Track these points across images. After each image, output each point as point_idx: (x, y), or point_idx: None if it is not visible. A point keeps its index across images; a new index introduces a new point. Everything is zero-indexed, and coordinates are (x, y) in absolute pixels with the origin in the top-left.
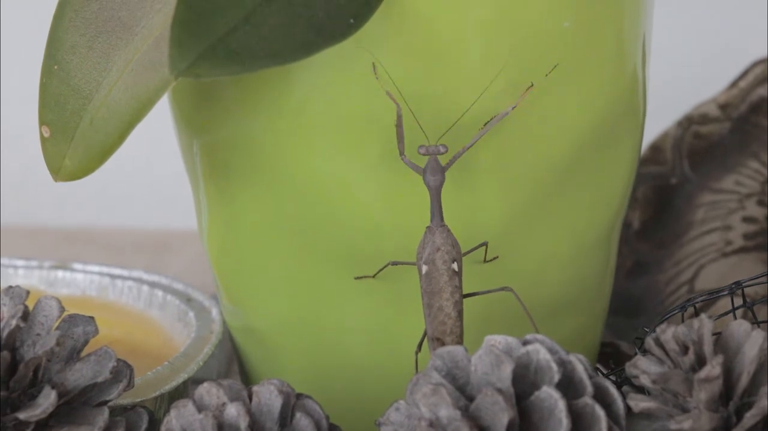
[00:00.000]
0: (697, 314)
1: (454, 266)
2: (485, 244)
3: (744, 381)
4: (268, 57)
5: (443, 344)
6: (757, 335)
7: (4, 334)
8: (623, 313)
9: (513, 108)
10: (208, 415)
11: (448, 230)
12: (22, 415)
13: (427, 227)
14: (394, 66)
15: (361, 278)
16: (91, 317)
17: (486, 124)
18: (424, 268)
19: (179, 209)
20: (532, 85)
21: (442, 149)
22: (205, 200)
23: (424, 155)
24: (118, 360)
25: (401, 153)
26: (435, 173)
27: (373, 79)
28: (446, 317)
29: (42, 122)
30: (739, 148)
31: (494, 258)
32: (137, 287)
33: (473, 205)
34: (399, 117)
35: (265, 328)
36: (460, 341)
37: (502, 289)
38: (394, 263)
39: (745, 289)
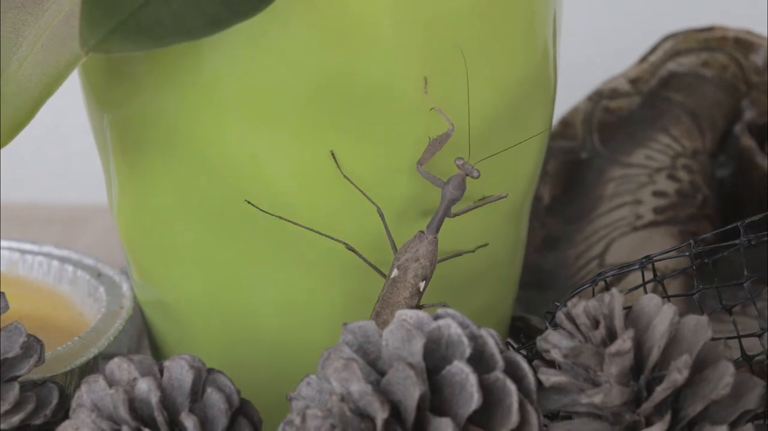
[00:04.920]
0: (607, 288)
1: (421, 285)
2: (467, 252)
3: (654, 355)
4: (179, 32)
5: None
6: (668, 309)
7: None
8: (534, 287)
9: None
10: (119, 390)
11: (436, 245)
12: None
13: (419, 232)
14: (305, 42)
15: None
16: (1, 293)
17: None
18: (395, 272)
19: (89, 184)
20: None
21: (474, 173)
22: (116, 175)
23: (459, 167)
24: (29, 335)
25: (420, 163)
26: (457, 190)
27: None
28: None
29: None
30: (649, 122)
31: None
32: (47, 262)
33: (388, 179)
34: (446, 137)
35: (175, 303)
36: None
37: (440, 304)
38: (349, 248)
39: (655, 263)
